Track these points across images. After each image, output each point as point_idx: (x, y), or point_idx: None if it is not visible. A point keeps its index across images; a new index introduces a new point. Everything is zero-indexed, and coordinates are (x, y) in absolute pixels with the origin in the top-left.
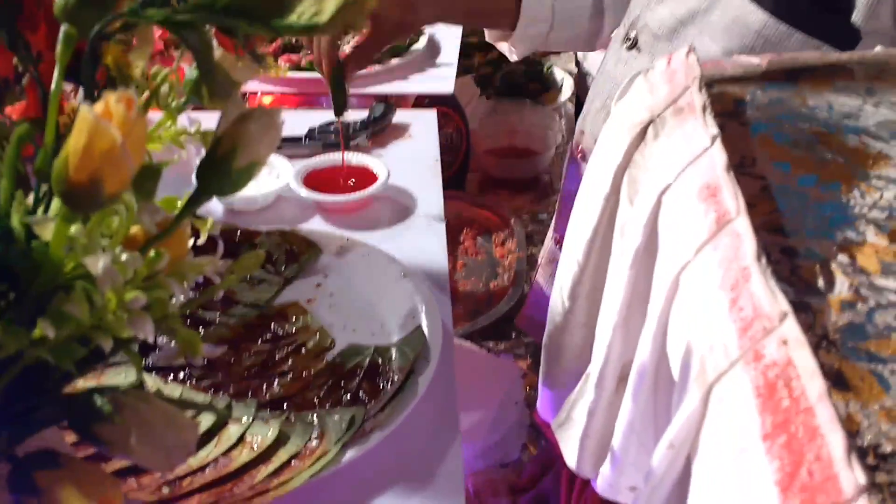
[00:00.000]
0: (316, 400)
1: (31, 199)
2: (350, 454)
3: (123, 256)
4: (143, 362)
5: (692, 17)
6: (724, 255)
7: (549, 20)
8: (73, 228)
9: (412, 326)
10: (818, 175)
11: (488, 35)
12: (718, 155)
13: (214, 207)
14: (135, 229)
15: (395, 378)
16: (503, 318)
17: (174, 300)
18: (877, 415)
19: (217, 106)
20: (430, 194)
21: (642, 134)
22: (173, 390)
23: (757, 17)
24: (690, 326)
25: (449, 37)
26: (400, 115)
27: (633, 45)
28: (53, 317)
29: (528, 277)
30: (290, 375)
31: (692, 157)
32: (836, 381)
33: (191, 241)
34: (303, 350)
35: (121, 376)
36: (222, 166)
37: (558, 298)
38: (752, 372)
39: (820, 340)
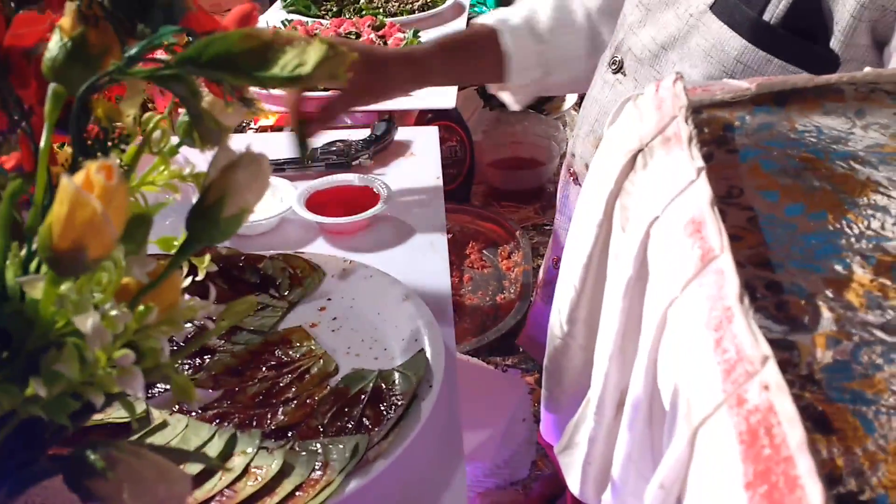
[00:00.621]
0: (320, 428)
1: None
2: (354, 484)
3: (113, 312)
4: (150, 392)
5: (672, 42)
6: (709, 293)
7: (540, 67)
8: (64, 286)
9: (415, 350)
10: (805, 204)
11: (488, 86)
12: (703, 189)
13: None
14: (127, 279)
15: (398, 404)
16: (510, 333)
17: (168, 350)
18: (860, 459)
19: (209, 149)
20: (432, 213)
21: (632, 162)
22: (178, 421)
23: (735, 44)
24: (678, 363)
25: None
26: (402, 133)
27: (619, 68)
28: (45, 375)
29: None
30: (294, 403)
31: (678, 190)
32: (820, 423)
33: (188, 280)
34: (307, 376)
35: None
36: (211, 215)
37: (557, 322)
38: (735, 417)
39: (805, 381)
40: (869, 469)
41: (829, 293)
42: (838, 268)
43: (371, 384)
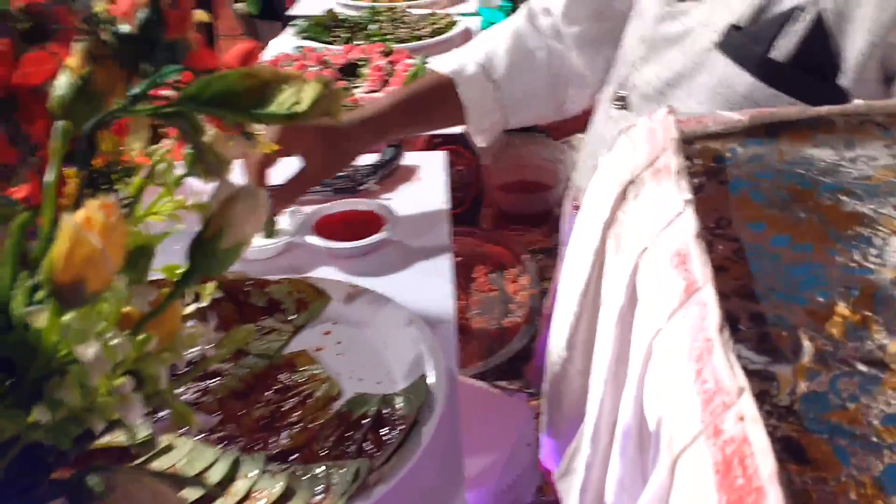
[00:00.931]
0: (323, 452)
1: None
2: None
3: (113, 341)
4: (156, 416)
5: (678, 79)
6: (692, 325)
7: (500, 110)
8: (67, 317)
9: (417, 374)
10: (791, 235)
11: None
12: (690, 221)
13: None
14: (129, 308)
15: (400, 428)
16: (516, 357)
17: (167, 377)
18: (832, 489)
19: (212, 181)
20: (438, 238)
21: (624, 193)
22: (184, 444)
23: (743, 81)
24: (662, 393)
25: None
26: (409, 158)
27: (623, 105)
28: (48, 402)
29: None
30: (298, 426)
31: (667, 222)
32: (796, 453)
33: (194, 306)
34: (310, 400)
35: (132, 434)
36: (210, 246)
37: (556, 347)
38: (712, 447)
39: (783, 411)
40: (841, 499)
41: (811, 325)
42: (821, 299)
43: (374, 409)
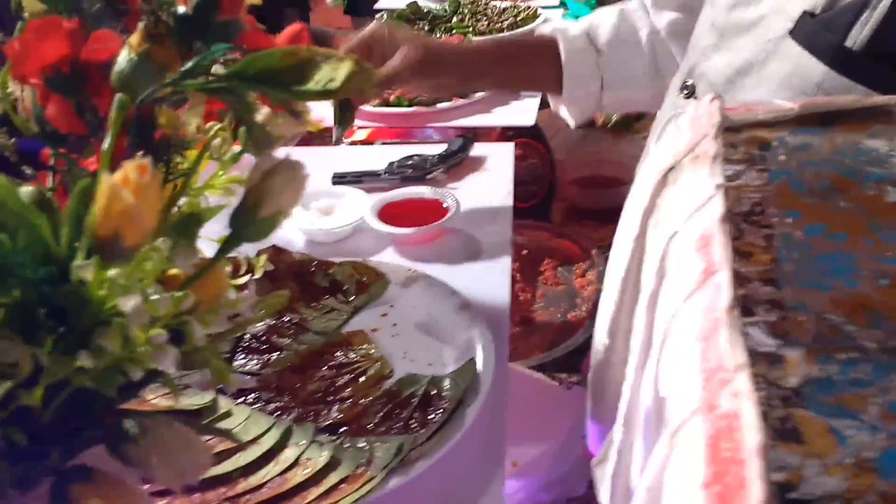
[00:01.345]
0: (370, 426)
1: None
2: (394, 481)
3: (154, 296)
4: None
5: (749, 68)
6: (706, 306)
7: (596, 80)
8: (113, 272)
9: (467, 358)
10: (827, 224)
11: (549, 100)
12: (718, 205)
13: (297, 239)
14: (175, 270)
15: (445, 408)
16: (578, 350)
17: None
18: (826, 469)
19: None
20: (499, 228)
21: (664, 179)
22: (242, 412)
23: (816, 70)
24: (673, 374)
25: None
26: (477, 149)
27: (691, 93)
28: (93, 349)
29: None
30: (349, 402)
31: (697, 206)
32: (791, 434)
33: (246, 277)
34: (363, 377)
35: (197, 397)
36: (250, 216)
37: (599, 335)
38: (707, 422)
39: (788, 392)
40: (832, 479)
41: (831, 311)
42: (847, 288)
43: (422, 389)
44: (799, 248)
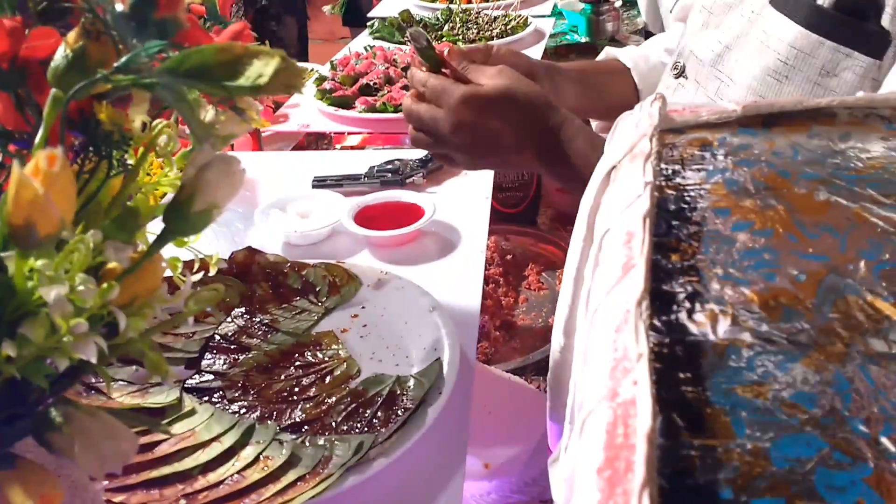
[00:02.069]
0: (333, 425)
1: None
2: (352, 479)
3: (80, 288)
4: (185, 383)
5: (734, 42)
6: (623, 299)
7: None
8: (39, 263)
9: (434, 359)
10: (754, 221)
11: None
12: (645, 202)
13: (274, 241)
14: (114, 265)
15: (408, 407)
16: None
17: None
18: (718, 457)
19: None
20: (475, 231)
21: (608, 177)
22: (206, 410)
23: (790, 31)
24: (592, 367)
25: None
26: None
27: (681, 73)
28: (17, 339)
29: None
30: (313, 401)
31: (627, 204)
32: (693, 422)
33: (200, 274)
34: (329, 377)
35: (162, 395)
36: (183, 210)
37: (556, 335)
38: (608, 410)
39: (692, 382)
40: (723, 466)
41: (748, 305)
42: (766, 281)
43: (387, 388)
44: (723, 244)
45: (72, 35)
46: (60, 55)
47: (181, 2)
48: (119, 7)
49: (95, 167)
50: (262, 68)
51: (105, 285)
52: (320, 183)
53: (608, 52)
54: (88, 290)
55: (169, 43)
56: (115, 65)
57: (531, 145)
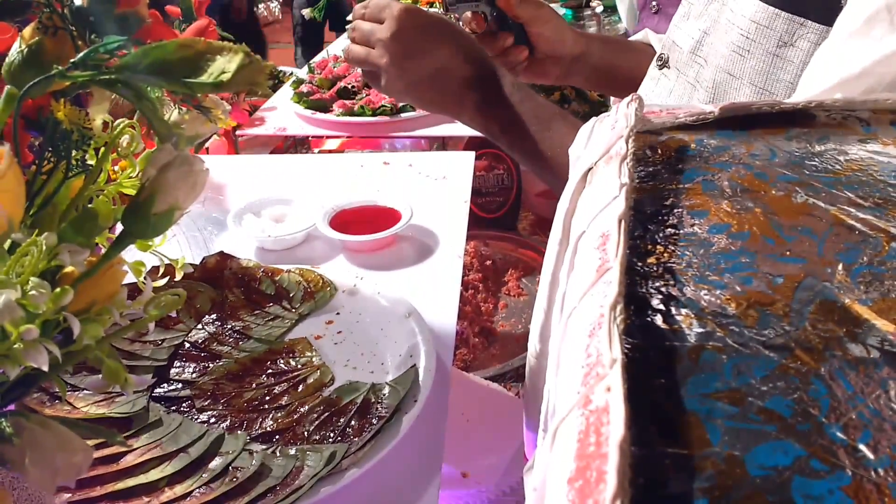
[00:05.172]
0: (306, 434)
1: None
2: (324, 490)
3: (32, 293)
4: (152, 392)
5: (713, 25)
6: (597, 303)
7: None
8: None
9: (409, 365)
10: (732, 224)
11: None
12: (619, 204)
13: (248, 246)
14: (71, 268)
15: (382, 416)
16: None
17: (90, 332)
18: (692, 465)
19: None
20: (453, 235)
21: (584, 180)
22: (173, 420)
23: (751, 6)
24: (566, 372)
25: None
26: (437, 157)
27: (664, 64)
28: None
29: None
30: (286, 410)
31: (603, 206)
32: (667, 429)
33: (165, 279)
34: (302, 385)
35: (129, 405)
36: (143, 211)
37: (532, 341)
38: (580, 417)
39: (668, 389)
40: (698, 474)
41: (722, 308)
42: (742, 284)
43: (361, 396)
44: (700, 247)
45: (28, 30)
46: (16, 51)
47: None
48: (78, 1)
49: (54, 168)
50: (225, 64)
51: (58, 290)
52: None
53: (646, 35)
54: (41, 294)
55: (130, 39)
56: (72, 60)
57: (473, 79)
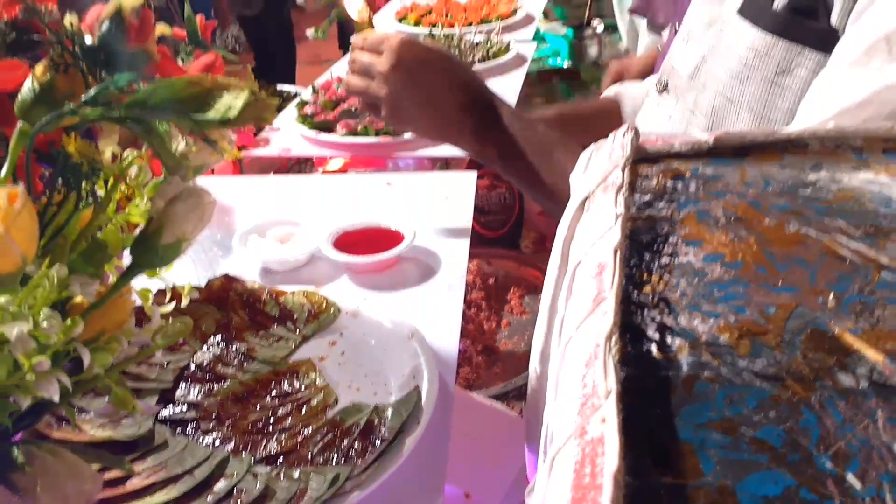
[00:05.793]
0: (310, 456)
1: None
2: None
3: (44, 324)
4: (158, 415)
5: (712, 52)
6: (593, 332)
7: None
8: (2, 299)
9: (412, 386)
10: (725, 253)
11: None
12: (615, 234)
13: (252, 267)
14: (80, 299)
15: (385, 438)
16: None
17: (101, 361)
18: (686, 495)
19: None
20: (456, 255)
21: (582, 207)
22: (179, 442)
23: (749, 34)
24: (563, 401)
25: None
26: (439, 176)
27: (664, 88)
28: None
29: None
30: (290, 431)
31: (599, 235)
32: (661, 459)
33: (172, 305)
34: (306, 407)
35: (134, 427)
36: (151, 243)
37: (533, 363)
38: (576, 448)
39: (664, 419)
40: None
41: (716, 338)
42: (736, 314)
43: (365, 418)
44: (695, 276)
45: (40, 67)
46: (28, 88)
47: (151, 34)
48: (88, 40)
49: (64, 199)
50: (232, 101)
51: (69, 321)
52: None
53: (618, 94)
54: (52, 325)
55: (139, 75)
56: (84, 98)
57: (471, 108)
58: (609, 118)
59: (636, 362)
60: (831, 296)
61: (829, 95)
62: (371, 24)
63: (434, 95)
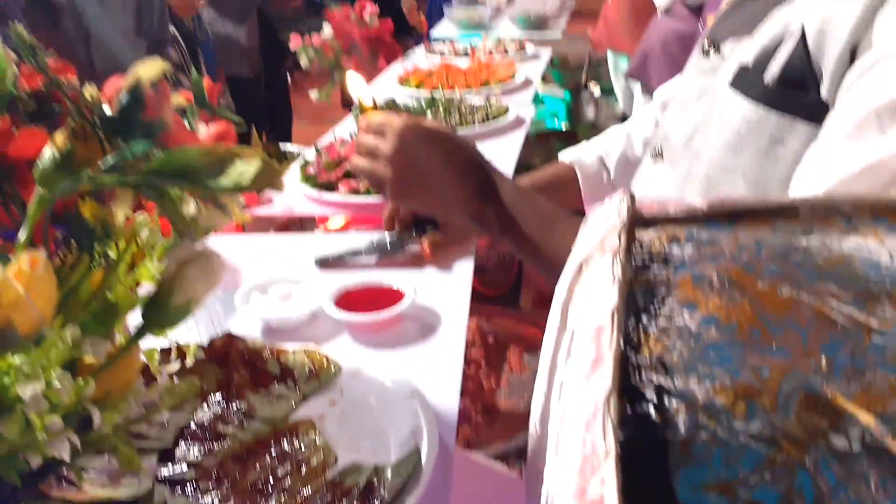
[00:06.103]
0: None
1: None
2: None
3: (56, 385)
4: (157, 475)
5: (706, 121)
6: (591, 395)
7: (601, 170)
8: (17, 359)
9: (412, 446)
10: (720, 316)
11: None
12: (613, 297)
13: (254, 324)
14: (91, 359)
15: (385, 498)
16: None
17: (107, 421)
18: None
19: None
20: (455, 314)
21: (580, 269)
22: (178, 502)
23: (741, 106)
24: (563, 463)
25: (505, 158)
26: None
27: (658, 154)
28: None
29: None
30: (289, 492)
31: (597, 298)
32: None
33: (177, 364)
34: (305, 467)
35: (135, 486)
36: (161, 304)
37: (533, 424)
38: None
39: (661, 481)
40: None
41: (713, 400)
42: (731, 376)
43: (364, 479)
44: (691, 339)
45: (59, 136)
46: (48, 155)
47: (167, 105)
48: (107, 110)
49: (77, 260)
50: (244, 168)
51: (81, 381)
52: (323, 262)
53: (567, 159)
54: (65, 386)
55: (154, 143)
56: (102, 168)
57: (470, 184)
58: (566, 188)
59: (635, 424)
60: (823, 359)
61: (823, 168)
62: (375, 106)
63: (435, 175)
